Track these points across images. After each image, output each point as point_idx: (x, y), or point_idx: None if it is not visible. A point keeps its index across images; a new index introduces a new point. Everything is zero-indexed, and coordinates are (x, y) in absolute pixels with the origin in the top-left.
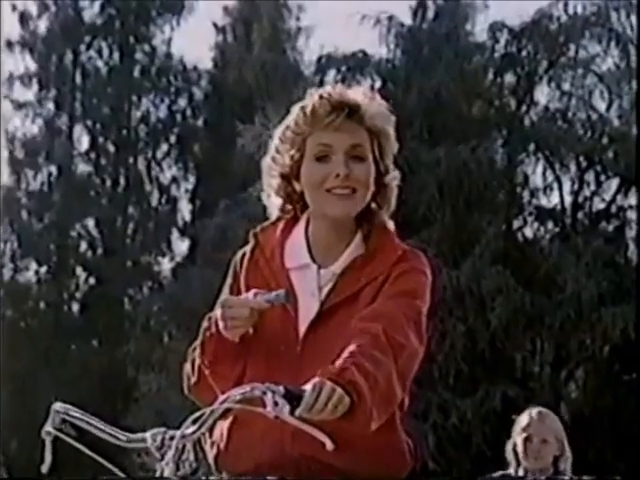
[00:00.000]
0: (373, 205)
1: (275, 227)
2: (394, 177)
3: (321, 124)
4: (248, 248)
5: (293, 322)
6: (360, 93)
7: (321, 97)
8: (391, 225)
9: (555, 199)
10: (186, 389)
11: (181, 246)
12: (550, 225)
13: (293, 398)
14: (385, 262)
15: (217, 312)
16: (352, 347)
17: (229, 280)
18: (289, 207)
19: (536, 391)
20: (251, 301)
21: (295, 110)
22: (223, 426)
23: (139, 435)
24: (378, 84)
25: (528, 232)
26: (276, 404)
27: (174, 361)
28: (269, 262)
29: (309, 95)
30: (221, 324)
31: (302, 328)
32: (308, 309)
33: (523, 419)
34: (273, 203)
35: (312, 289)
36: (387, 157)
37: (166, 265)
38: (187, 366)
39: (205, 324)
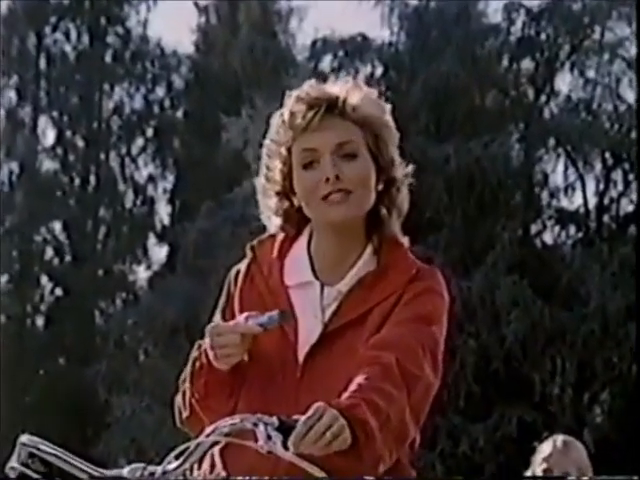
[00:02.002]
0: (383, 211)
1: (274, 240)
2: (402, 172)
3: (300, 127)
4: (244, 263)
5: (292, 346)
6: (341, 84)
7: (297, 97)
8: (404, 237)
9: (578, 200)
10: (178, 422)
11: (159, 253)
12: (572, 230)
13: (288, 431)
14: (397, 280)
15: (206, 340)
16: (360, 379)
17: (222, 301)
18: (289, 225)
19: (557, 416)
20: (241, 326)
21: (275, 119)
22: (213, 458)
23: (115, 471)
24: (379, 71)
25: (547, 237)
26: (269, 437)
27: (151, 382)
28: (266, 279)
29: (287, 98)
30: (211, 354)
31: (302, 353)
32: (309, 332)
33: (545, 448)
34: (274, 224)
35: (314, 310)
36: (387, 148)
37: (142, 274)
38: (178, 399)
39: (194, 353)
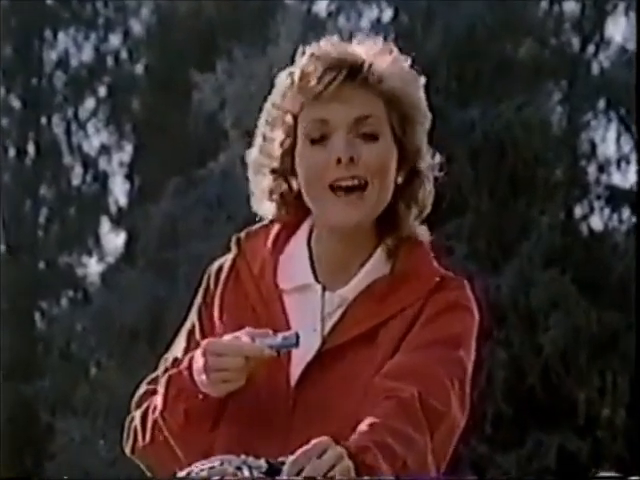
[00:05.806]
0: (401, 207)
1: (267, 233)
2: (429, 164)
3: (313, 92)
4: (228, 259)
5: (284, 366)
6: (368, 45)
7: (312, 55)
8: (426, 236)
9: (632, 176)
10: (129, 449)
11: (114, 241)
12: (626, 213)
13: (278, 474)
14: (417, 290)
15: (197, 359)
16: (373, 417)
17: (197, 303)
18: (285, 213)
19: (606, 443)
20: (248, 347)
21: (281, 78)
22: None
23: None
24: (388, 16)
25: (596, 222)
26: None
27: (105, 400)
28: (256, 280)
29: (299, 54)
30: (201, 377)
31: (295, 374)
32: (306, 347)
33: None
34: (266, 210)
35: (313, 320)
36: (414, 133)
37: (93, 268)
38: (135, 419)
39: (170, 370)
